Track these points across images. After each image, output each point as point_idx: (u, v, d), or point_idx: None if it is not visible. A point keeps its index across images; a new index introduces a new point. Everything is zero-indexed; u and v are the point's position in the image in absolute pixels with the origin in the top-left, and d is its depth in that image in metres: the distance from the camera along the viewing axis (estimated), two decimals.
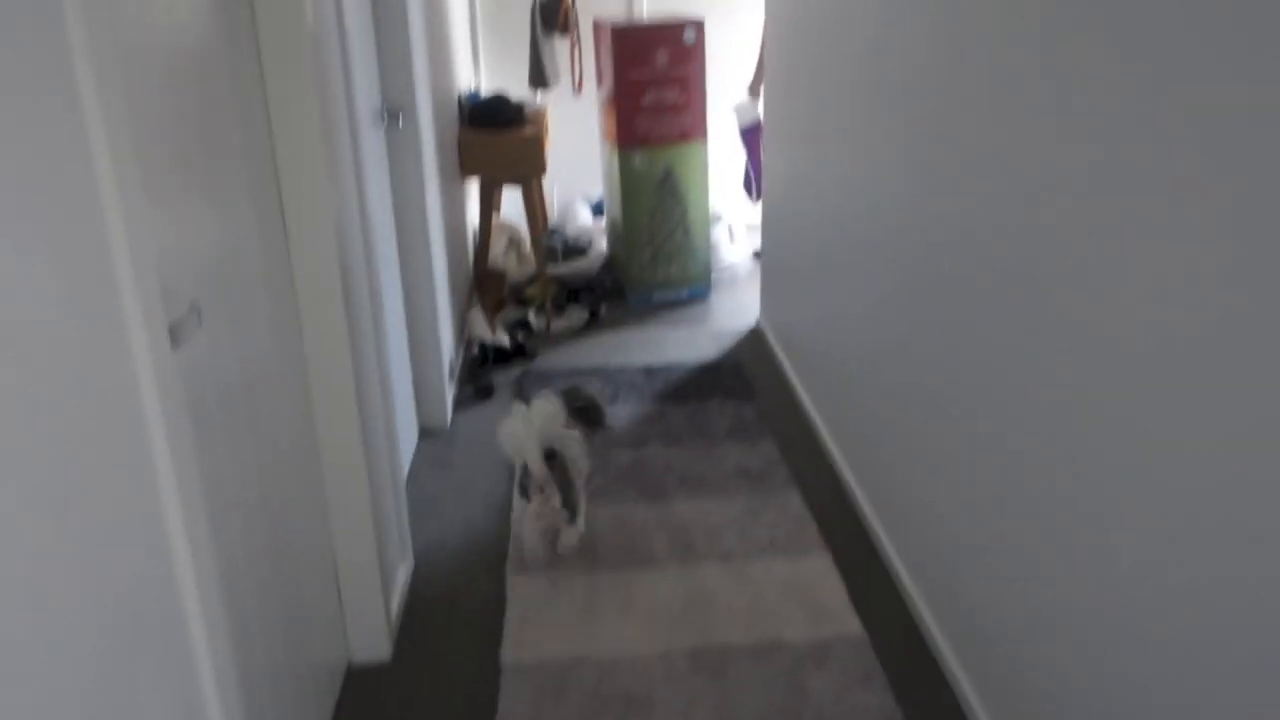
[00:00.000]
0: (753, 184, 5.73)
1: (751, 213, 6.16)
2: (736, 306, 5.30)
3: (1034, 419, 2.03)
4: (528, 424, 2.94)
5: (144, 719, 1.25)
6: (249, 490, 1.91)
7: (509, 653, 2.65)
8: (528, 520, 3.01)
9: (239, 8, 2.00)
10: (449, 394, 4.05)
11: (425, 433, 3.92)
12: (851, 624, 2.76)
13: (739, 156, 5.91)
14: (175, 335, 1.40)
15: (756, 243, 5.97)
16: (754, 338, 4.89)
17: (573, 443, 3.10)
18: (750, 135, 5.60)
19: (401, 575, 2.92)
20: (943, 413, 2.54)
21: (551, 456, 2.98)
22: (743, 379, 4.41)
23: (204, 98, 1.76)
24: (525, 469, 2.95)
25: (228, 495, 1.79)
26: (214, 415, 1.73)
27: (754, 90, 5.56)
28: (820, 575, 2.98)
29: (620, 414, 4.04)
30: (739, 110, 5.64)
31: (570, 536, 3.07)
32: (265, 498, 2.01)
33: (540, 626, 2.76)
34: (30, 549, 1.02)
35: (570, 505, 3.03)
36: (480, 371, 4.46)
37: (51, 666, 1.05)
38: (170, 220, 1.56)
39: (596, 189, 6.40)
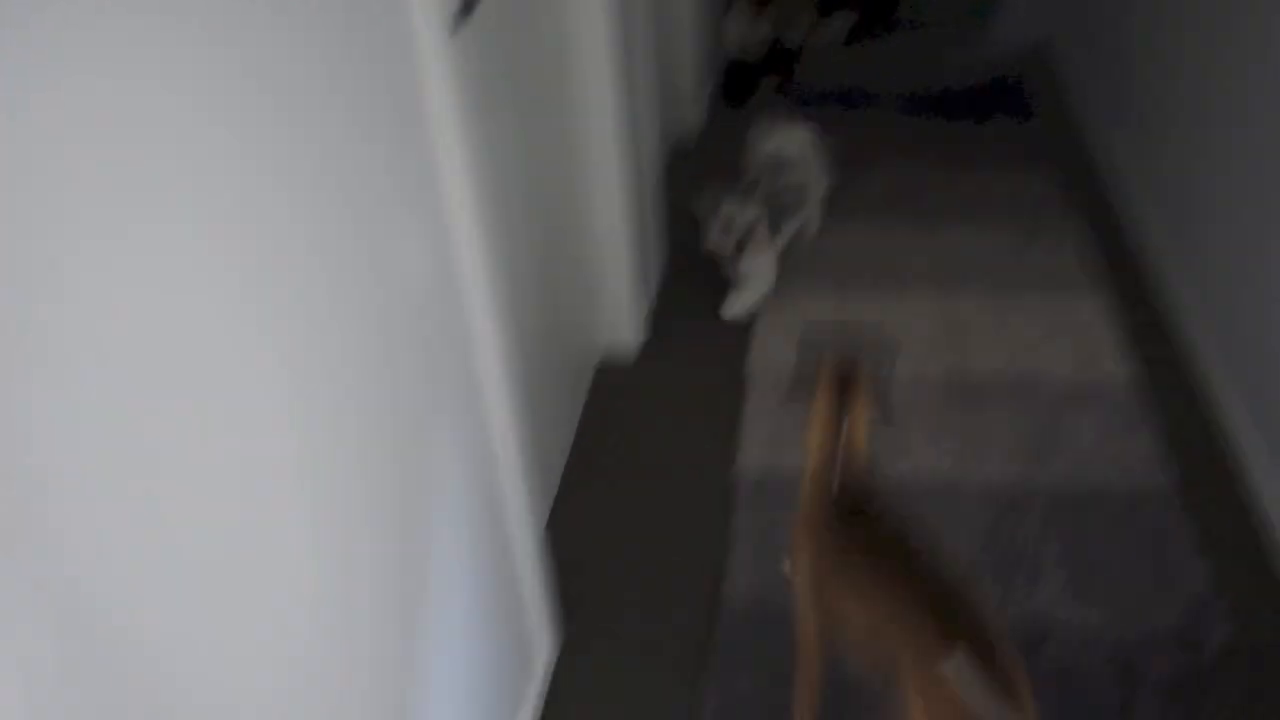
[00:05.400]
0: None
1: None
2: (1024, 14, 4.73)
3: None
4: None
5: (439, 395, 1.34)
6: (519, 182, 1.93)
7: (755, 360, 2.68)
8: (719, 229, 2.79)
9: None
10: (703, 102, 3.92)
11: (677, 140, 3.85)
12: (1121, 369, 2.58)
13: None
14: (454, 22, 1.36)
15: None
16: (1043, 53, 4.39)
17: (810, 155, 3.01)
18: None
19: (654, 279, 2.97)
20: (1261, 137, 2.20)
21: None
22: (1025, 99, 4.00)
23: None
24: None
25: (502, 185, 1.81)
26: (485, 104, 1.71)
27: None
28: (1093, 316, 2.78)
29: (886, 132, 3.79)
30: None
31: (738, 301, 2.85)
32: (535, 191, 2.03)
33: (791, 332, 2.75)
34: (331, 249, 1.05)
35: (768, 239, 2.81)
36: (735, 80, 4.27)
37: (359, 354, 1.11)
38: None
39: None
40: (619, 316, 2.68)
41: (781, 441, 2.41)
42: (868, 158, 3.60)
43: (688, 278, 3.05)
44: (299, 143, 0.97)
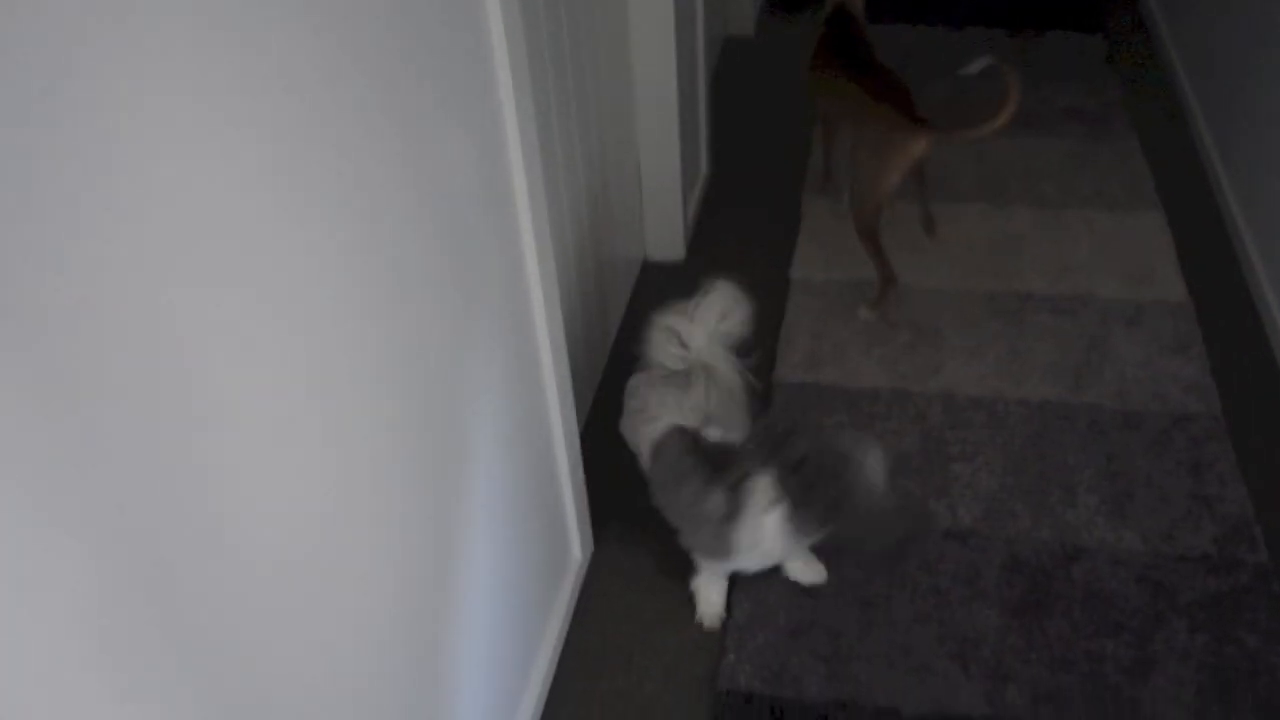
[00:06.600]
0: None
1: None
2: None
3: None
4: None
5: (483, 293, 1.34)
6: (566, 89, 1.89)
7: (798, 269, 2.65)
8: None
9: None
10: (754, 7, 3.80)
11: (729, 41, 3.75)
12: (1175, 288, 2.52)
13: None
14: None
15: None
16: None
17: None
18: None
19: (699, 183, 2.92)
20: None
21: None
22: (1091, 7, 3.84)
23: None
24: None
25: (548, 94, 1.78)
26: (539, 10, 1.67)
27: None
28: (1148, 234, 2.71)
29: (942, 44, 3.66)
30: None
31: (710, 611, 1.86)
32: (583, 91, 1.99)
33: (831, 247, 2.71)
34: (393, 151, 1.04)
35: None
36: None
37: (406, 242, 1.10)
38: None
39: None
40: (665, 221, 2.65)
41: (819, 357, 2.40)
42: (922, 70, 3.48)
43: (730, 181, 3.01)
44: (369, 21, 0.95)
